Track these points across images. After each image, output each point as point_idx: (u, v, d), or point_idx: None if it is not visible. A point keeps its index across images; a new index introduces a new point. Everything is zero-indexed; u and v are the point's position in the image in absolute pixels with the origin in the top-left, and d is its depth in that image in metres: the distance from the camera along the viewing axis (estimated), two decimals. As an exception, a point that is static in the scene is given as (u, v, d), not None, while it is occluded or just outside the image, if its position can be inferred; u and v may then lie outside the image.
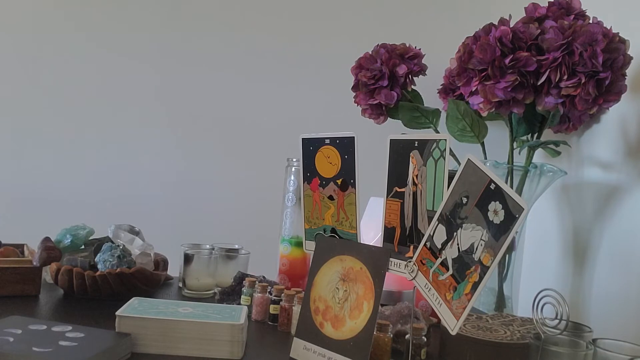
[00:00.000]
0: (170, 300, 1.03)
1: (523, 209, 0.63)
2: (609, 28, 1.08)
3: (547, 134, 1.28)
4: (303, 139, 0.92)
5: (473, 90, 1.12)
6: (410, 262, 0.77)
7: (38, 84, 1.44)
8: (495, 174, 0.67)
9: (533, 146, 1.21)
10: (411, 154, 0.77)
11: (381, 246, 0.82)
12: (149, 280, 1.09)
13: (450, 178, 0.72)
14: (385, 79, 1.27)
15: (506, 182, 1.11)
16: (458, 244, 0.70)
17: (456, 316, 0.69)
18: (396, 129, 1.29)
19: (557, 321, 0.74)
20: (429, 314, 1.00)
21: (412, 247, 0.78)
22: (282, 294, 0.99)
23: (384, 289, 0.79)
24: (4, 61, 1.43)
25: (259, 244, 1.26)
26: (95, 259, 1.10)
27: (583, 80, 1.05)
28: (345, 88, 1.33)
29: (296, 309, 0.94)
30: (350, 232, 0.87)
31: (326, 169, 0.89)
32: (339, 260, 0.84)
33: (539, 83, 1.08)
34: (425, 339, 0.85)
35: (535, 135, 1.22)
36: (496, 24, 1.13)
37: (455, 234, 0.70)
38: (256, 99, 1.51)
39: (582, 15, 1.13)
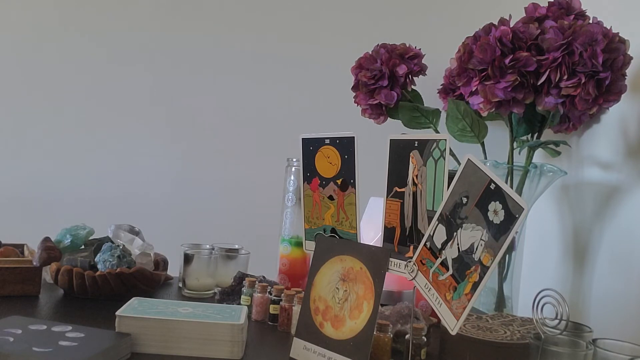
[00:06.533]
0: (170, 300, 1.03)
1: (523, 209, 0.63)
2: (609, 28, 1.08)
3: (547, 134, 1.28)
4: (303, 139, 0.92)
5: (473, 90, 1.12)
6: (410, 262, 0.77)
7: (38, 84, 1.44)
8: (495, 174, 0.67)
9: (533, 146, 1.21)
10: (411, 154, 0.77)
11: (381, 246, 0.82)
12: (149, 280, 1.09)
13: (450, 178, 0.72)
14: (385, 79, 1.27)
15: (506, 182, 1.11)
16: (458, 244, 0.70)
17: (456, 316, 0.69)
18: (396, 129, 1.29)
19: (557, 321, 0.74)
20: (429, 314, 1.00)
21: (412, 247, 0.78)
22: (282, 294, 0.99)
23: (384, 289, 0.79)
24: (2, 62, 1.43)
25: (259, 244, 1.26)
26: (95, 259, 1.09)
27: (583, 80, 1.05)
28: (345, 88, 1.33)
29: (296, 309, 0.94)
30: (350, 232, 0.87)
31: (326, 169, 0.89)
32: (339, 260, 0.84)
33: (539, 83, 1.08)
34: (425, 339, 0.85)
35: (535, 135, 1.22)
36: (496, 24, 1.13)
37: (455, 234, 0.70)
38: (256, 99, 1.51)
39: (582, 15, 1.13)
